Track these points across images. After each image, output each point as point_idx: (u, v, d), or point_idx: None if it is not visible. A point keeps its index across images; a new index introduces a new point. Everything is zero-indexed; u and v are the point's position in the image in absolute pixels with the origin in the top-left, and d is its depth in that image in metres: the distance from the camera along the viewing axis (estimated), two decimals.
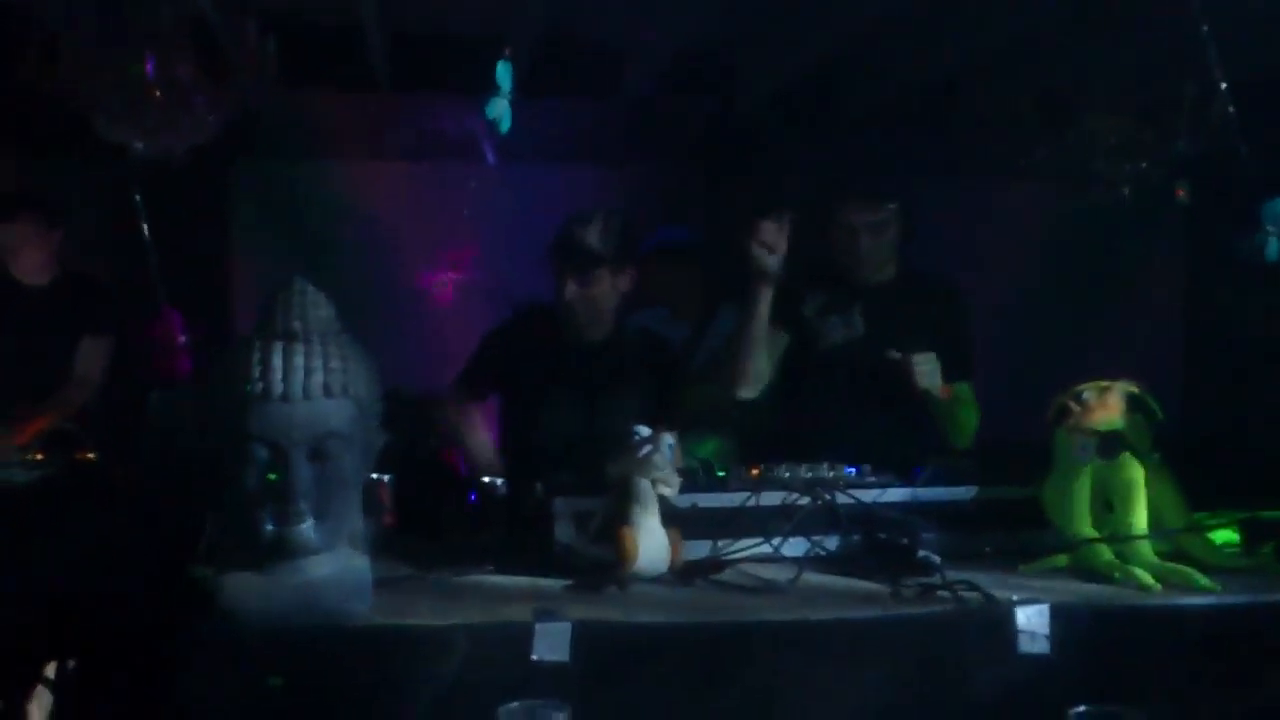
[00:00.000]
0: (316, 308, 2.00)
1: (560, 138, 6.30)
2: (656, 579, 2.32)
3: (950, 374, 3.39)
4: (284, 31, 4.39)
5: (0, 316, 4.66)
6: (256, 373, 1.89)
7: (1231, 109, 2.43)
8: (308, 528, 1.90)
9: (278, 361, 1.91)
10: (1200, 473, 2.56)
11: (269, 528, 1.89)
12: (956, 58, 5.96)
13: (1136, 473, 2.40)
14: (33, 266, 4.72)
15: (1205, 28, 2.26)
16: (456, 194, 3.78)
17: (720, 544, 2.49)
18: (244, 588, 1.91)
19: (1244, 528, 2.49)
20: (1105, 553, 2.37)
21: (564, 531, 2.46)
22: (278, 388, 1.88)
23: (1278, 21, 5.16)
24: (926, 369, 3.31)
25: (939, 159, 6.14)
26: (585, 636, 1.95)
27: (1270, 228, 2.22)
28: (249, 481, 1.89)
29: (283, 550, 1.90)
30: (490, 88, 2.32)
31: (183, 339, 2.45)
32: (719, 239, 6.32)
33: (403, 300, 3.15)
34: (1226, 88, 2.42)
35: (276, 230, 6.00)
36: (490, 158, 3.25)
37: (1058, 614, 2.07)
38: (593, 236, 3.40)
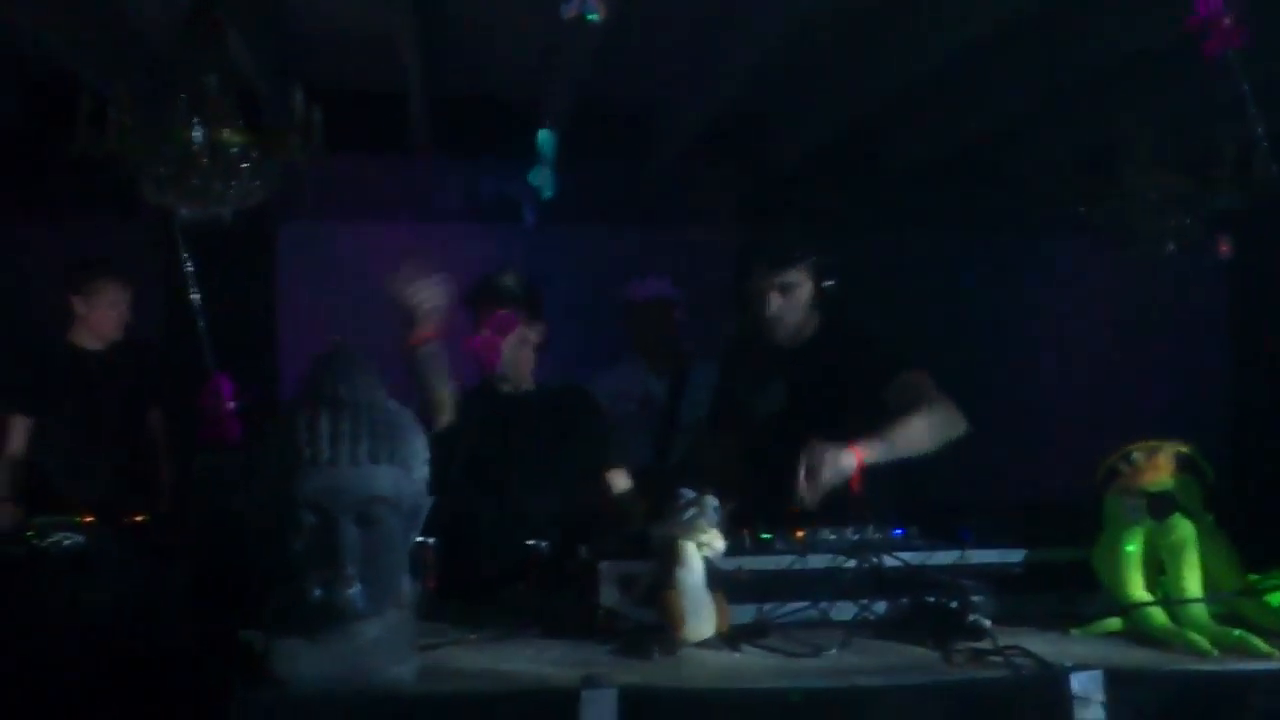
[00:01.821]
0: (361, 373, 2.01)
1: (597, 200, 6.36)
2: (703, 644, 2.30)
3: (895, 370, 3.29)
4: (329, 96, 4.48)
5: (68, 381, 4.71)
6: (304, 439, 1.90)
7: (1274, 164, 2.41)
8: (355, 592, 1.90)
9: (325, 428, 1.91)
10: (1254, 534, 2.52)
11: (317, 592, 1.89)
12: (996, 116, 5.99)
13: (1189, 533, 2.37)
14: (106, 331, 4.78)
15: (1245, 85, 2.25)
16: (501, 255, 3.81)
17: (766, 608, 2.47)
18: (292, 652, 1.91)
19: None
20: (1159, 616, 2.34)
21: (609, 595, 2.45)
22: (325, 454, 1.89)
23: None
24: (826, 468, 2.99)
25: (980, 216, 6.15)
26: (632, 703, 1.93)
27: None
28: (297, 546, 1.89)
29: (330, 614, 1.90)
30: (532, 154, 2.34)
31: (232, 405, 2.46)
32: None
33: (450, 362, 3.15)
34: (1267, 142, 2.40)
35: (322, 292, 6.07)
36: (531, 219, 3.27)
37: (1112, 679, 2.03)
38: (508, 283, 3.43)
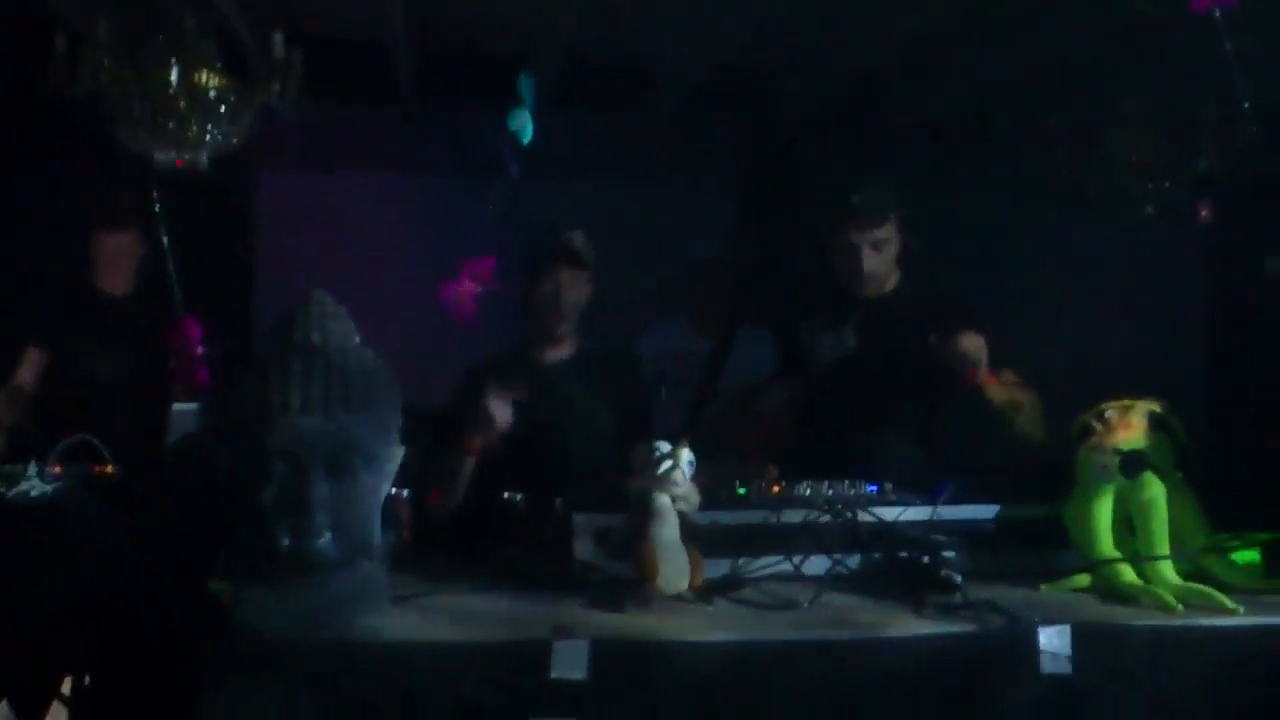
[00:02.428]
0: (335, 320, 2.00)
1: (589, 153, 6.32)
2: (676, 597, 2.30)
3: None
4: (311, 44, 4.43)
5: (82, 321, 4.64)
6: (275, 387, 1.89)
7: (1255, 129, 2.41)
8: (325, 542, 1.90)
9: (296, 376, 1.91)
10: (1223, 493, 2.54)
11: (286, 542, 1.88)
12: (986, 78, 5.97)
13: (1159, 492, 2.39)
14: (114, 280, 4.72)
15: (1228, 47, 2.24)
16: (481, 207, 3.79)
17: (741, 562, 2.47)
18: (261, 602, 1.91)
19: (1266, 549, 2.47)
20: (1127, 573, 2.36)
21: (584, 548, 2.45)
22: (296, 402, 1.88)
23: None
24: (971, 349, 3.15)
25: (967, 176, 6.13)
26: (604, 655, 1.94)
27: None
28: (267, 496, 1.89)
29: (300, 565, 1.90)
30: (514, 99, 2.32)
31: (201, 349, 2.44)
32: (747, 257, 6.37)
33: (425, 313, 3.14)
34: (1250, 107, 2.40)
35: (303, 243, 6.03)
36: (515, 171, 3.25)
37: (1079, 634, 2.05)
38: (580, 244, 3.47)
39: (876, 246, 3.44)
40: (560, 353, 3.55)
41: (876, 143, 6.22)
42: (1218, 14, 2.25)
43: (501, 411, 3.16)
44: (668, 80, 6.26)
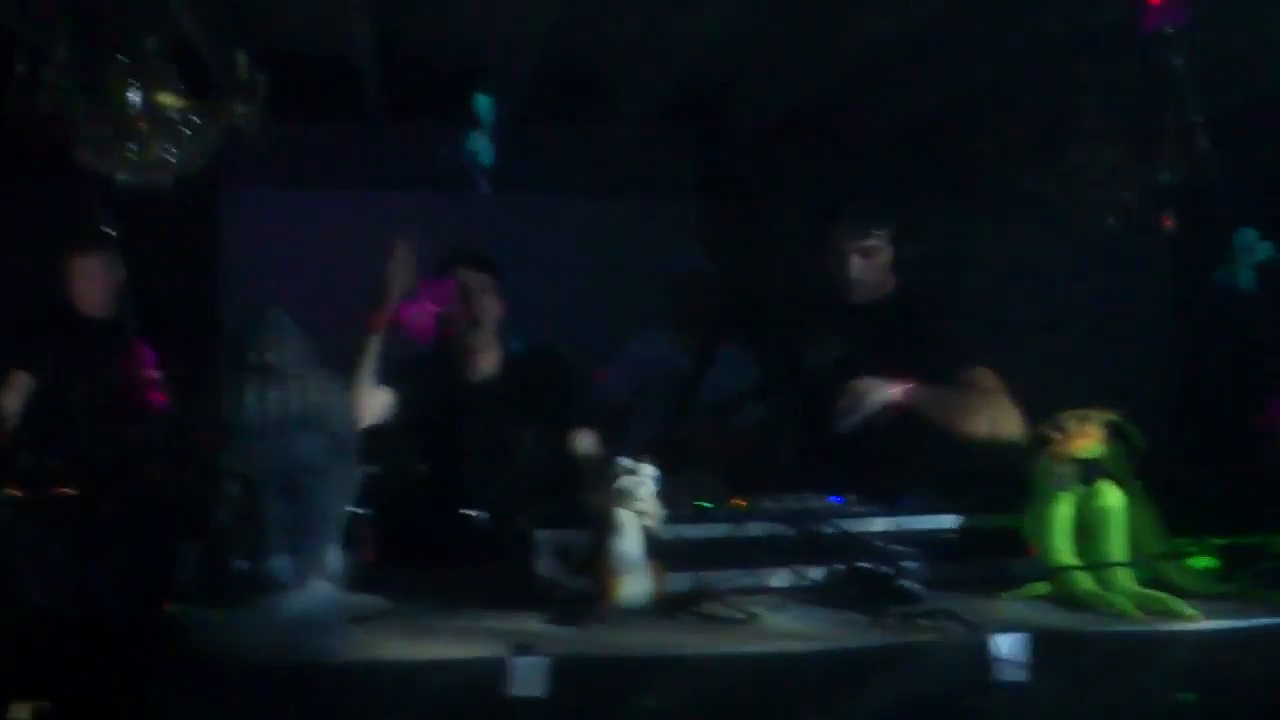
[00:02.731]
0: (290, 340, 1.99)
1: (557, 167, 6.32)
2: (638, 612, 2.30)
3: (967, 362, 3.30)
4: (277, 61, 4.42)
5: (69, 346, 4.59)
6: (229, 407, 1.88)
7: (1207, 142, 2.43)
8: (280, 563, 1.89)
9: (251, 395, 1.90)
10: (1182, 500, 2.55)
11: (241, 564, 1.88)
12: (949, 88, 6.01)
13: (1116, 500, 2.40)
14: (90, 303, 4.66)
15: (1179, 62, 2.27)
16: (445, 225, 3.79)
17: (704, 576, 2.47)
18: (216, 624, 1.90)
19: (1222, 554, 2.48)
20: (1085, 580, 2.37)
21: (546, 564, 2.45)
22: (251, 421, 1.88)
23: (1256, 57, 5.22)
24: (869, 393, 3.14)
25: (929, 185, 6.16)
26: (563, 672, 1.94)
27: (1243, 256, 2.23)
28: (221, 516, 1.88)
29: (255, 586, 1.89)
30: (472, 120, 2.32)
31: (155, 373, 2.42)
32: (723, 269, 6.37)
33: (387, 332, 3.14)
34: (1205, 120, 2.42)
35: (267, 261, 6.01)
36: (485, 187, 3.25)
37: (1037, 642, 2.06)
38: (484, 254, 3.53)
39: (865, 254, 3.44)
40: (486, 364, 3.55)
41: (841, 153, 6.25)
42: (1169, 30, 2.26)
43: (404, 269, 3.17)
44: (637, 92, 6.27)
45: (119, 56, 3.97)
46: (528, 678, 1.92)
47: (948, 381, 3.23)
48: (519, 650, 1.95)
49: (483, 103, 2.37)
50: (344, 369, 3.15)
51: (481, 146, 2.38)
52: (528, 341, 3.75)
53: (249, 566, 1.88)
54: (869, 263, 3.45)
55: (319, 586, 1.97)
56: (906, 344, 3.36)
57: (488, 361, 3.56)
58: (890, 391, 3.10)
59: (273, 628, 1.90)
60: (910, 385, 3.13)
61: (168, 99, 3.95)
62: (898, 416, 3.15)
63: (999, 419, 3.16)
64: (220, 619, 1.90)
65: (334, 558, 2.03)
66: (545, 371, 3.62)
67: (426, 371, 3.49)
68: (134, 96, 3.90)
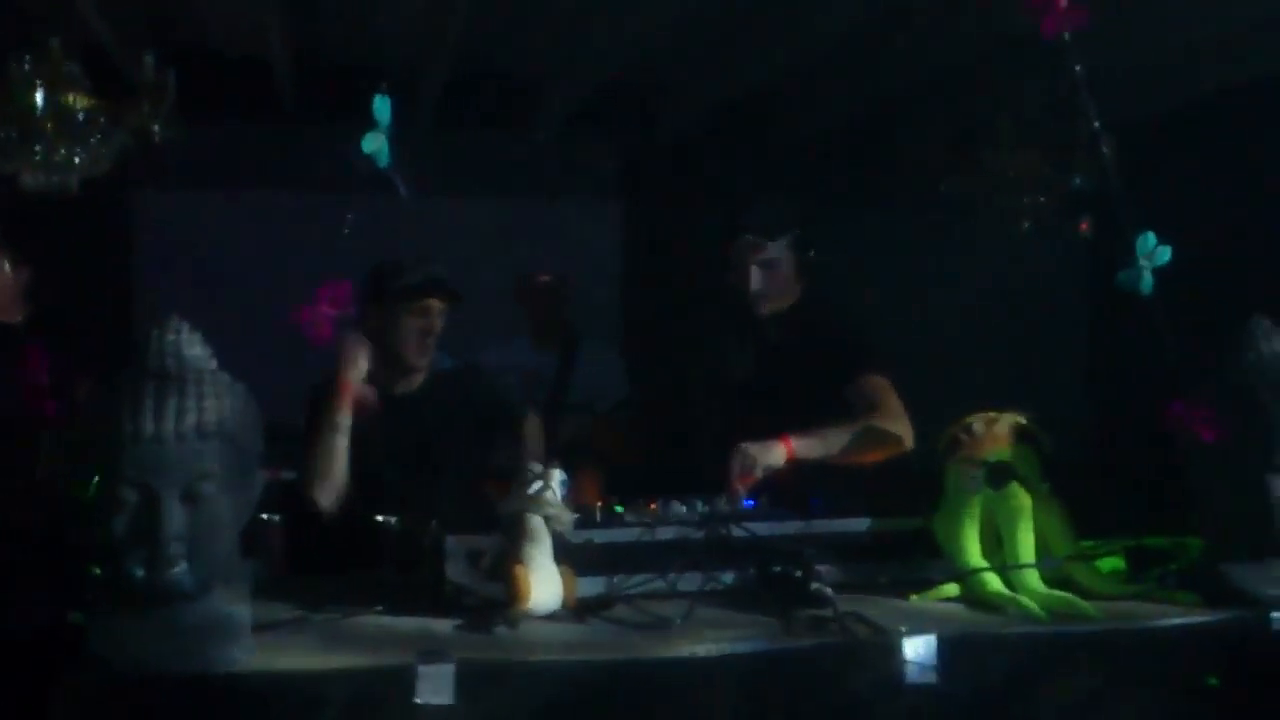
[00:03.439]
0: (191, 346, 1.95)
1: (472, 169, 6.29)
2: (549, 617, 2.29)
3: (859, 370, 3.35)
4: (191, 62, 4.35)
5: None
6: (126, 412, 1.84)
7: (1107, 149, 2.47)
8: (181, 572, 1.85)
9: (149, 401, 1.86)
10: (1089, 502, 2.59)
11: (139, 572, 1.84)
12: (870, 95, 6.06)
13: (1024, 502, 2.43)
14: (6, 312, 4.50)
15: (1077, 68, 2.30)
16: (353, 225, 3.76)
17: (616, 580, 2.47)
18: (115, 633, 1.86)
19: (1130, 556, 2.53)
20: (994, 582, 2.39)
21: (456, 570, 2.42)
22: (148, 428, 1.84)
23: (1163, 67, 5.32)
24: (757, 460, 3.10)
25: (849, 190, 6.22)
26: (471, 678, 1.92)
27: (1143, 261, 2.26)
28: (118, 525, 1.84)
29: (155, 596, 1.85)
30: (372, 122, 2.29)
31: (46, 379, 2.37)
32: (637, 271, 6.38)
33: (292, 336, 3.10)
34: (1106, 126, 2.46)
35: (180, 264, 5.92)
36: (403, 189, 3.22)
37: (945, 644, 2.08)
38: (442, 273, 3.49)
39: (765, 265, 3.43)
40: (412, 382, 3.50)
41: (762, 159, 6.28)
42: (1067, 37, 2.29)
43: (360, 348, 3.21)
44: (553, 96, 6.26)
45: (23, 55, 3.89)
46: (435, 685, 1.90)
47: (843, 389, 3.28)
48: (427, 657, 1.93)
49: (380, 104, 2.33)
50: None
51: (378, 148, 2.34)
52: (452, 359, 3.73)
53: (148, 575, 1.84)
54: (770, 274, 3.44)
55: (221, 595, 1.93)
56: (803, 355, 3.38)
57: (414, 381, 3.51)
58: (776, 454, 3.08)
59: (174, 637, 1.86)
60: (794, 442, 3.12)
61: (73, 99, 3.88)
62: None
63: (885, 443, 3.22)
64: (120, 629, 1.86)
65: (237, 565, 2.00)
66: (467, 386, 3.59)
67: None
68: (38, 97, 3.82)
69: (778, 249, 3.41)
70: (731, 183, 6.15)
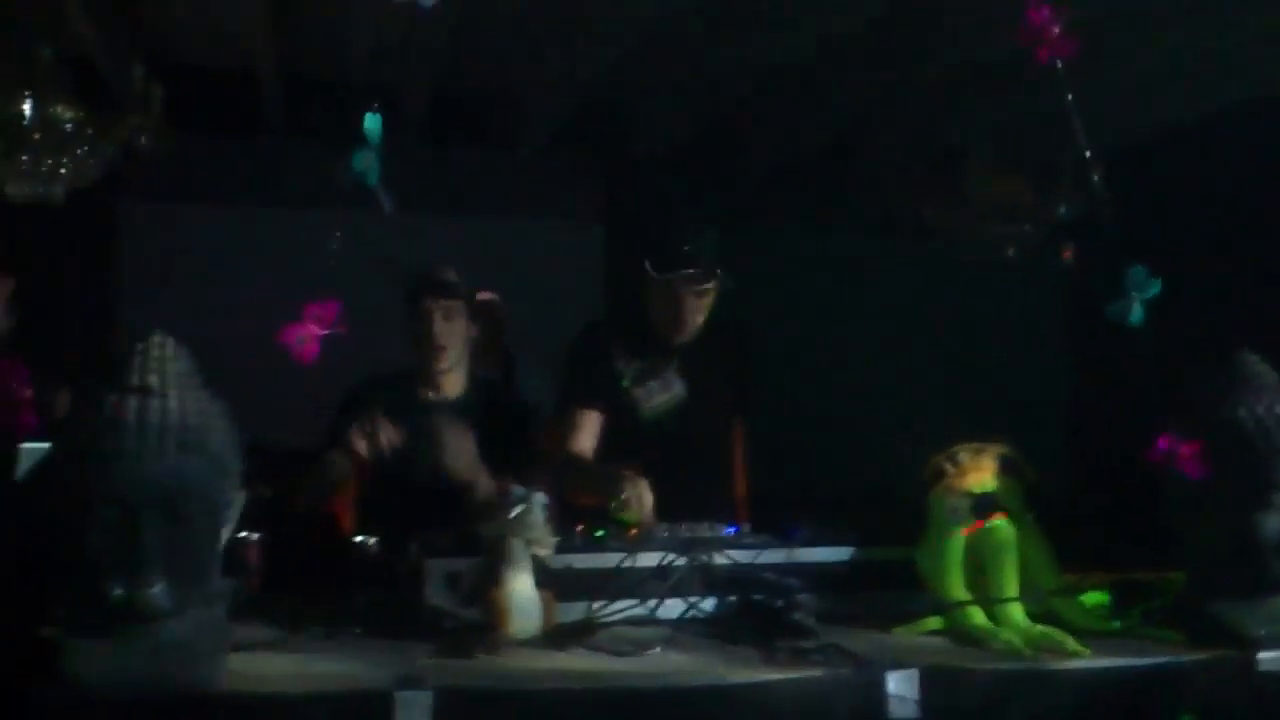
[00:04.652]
0: (173, 361, 1.93)
1: (456, 187, 6.30)
2: (528, 642, 2.27)
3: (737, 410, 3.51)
4: (179, 75, 4.34)
5: None
6: (106, 428, 1.82)
7: (1098, 176, 2.46)
8: (158, 591, 1.82)
9: (130, 417, 1.84)
10: (1074, 535, 2.58)
11: (117, 590, 1.81)
12: (849, 116, 6.07)
13: (1008, 535, 2.42)
14: None
15: (1069, 96, 2.29)
16: (335, 244, 3.75)
17: (596, 606, 2.45)
18: (89, 652, 1.83)
19: (1114, 590, 2.51)
20: (977, 615, 2.38)
21: (435, 593, 2.40)
22: (128, 445, 1.82)
23: (1155, 90, 5.34)
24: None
25: (830, 214, 6.23)
26: (448, 705, 1.89)
27: (1134, 293, 2.25)
28: (96, 541, 1.81)
29: (132, 614, 1.83)
30: (359, 139, 2.27)
31: (27, 392, 2.34)
32: (618, 293, 6.35)
33: (276, 353, 3.09)
34: (1093, 154, 2.45)
35: (166, 277, 5.90)
36: (388, 205, 3.21)
37: (927, 678, 2.06)
38: (453, 278, 3.53)
39: (700, 295, 3.43)
40: (448, 391, 3.52)
41: (737, 180, 6.29)
42: (1059, 64, 2.29)
43: (388, 433, 3.24)
44: (534, 115, 6.27)
45: (11, 65, 3.88)
46: (412, 712, 1.88)
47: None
48: (405, 682, 1.90)
49: (371, 120, 2.32)
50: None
51: (368, 165, 2.33)
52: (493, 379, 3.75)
53: (125, 594, 1.81)
54: (700, 306, 3.44)
55: (199, 614, 1.91)
56: (715, 377, 3.49)
57: (453, 390, 3.56)
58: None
59: (150, 656, 1.83)
60: None
61: (61, 110, 3.87)
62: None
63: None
64: (95, 647, 1.83)
65: (215, 584, 1.97)
66: (502, 406, 3.63)
67: (381, 394, 3.49)
68: (26, 107, 3.81)
69: (714, 282, 3.41)
70: (714, 202, 6.16)
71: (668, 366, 3.50)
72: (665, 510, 2.94)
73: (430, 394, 3.55)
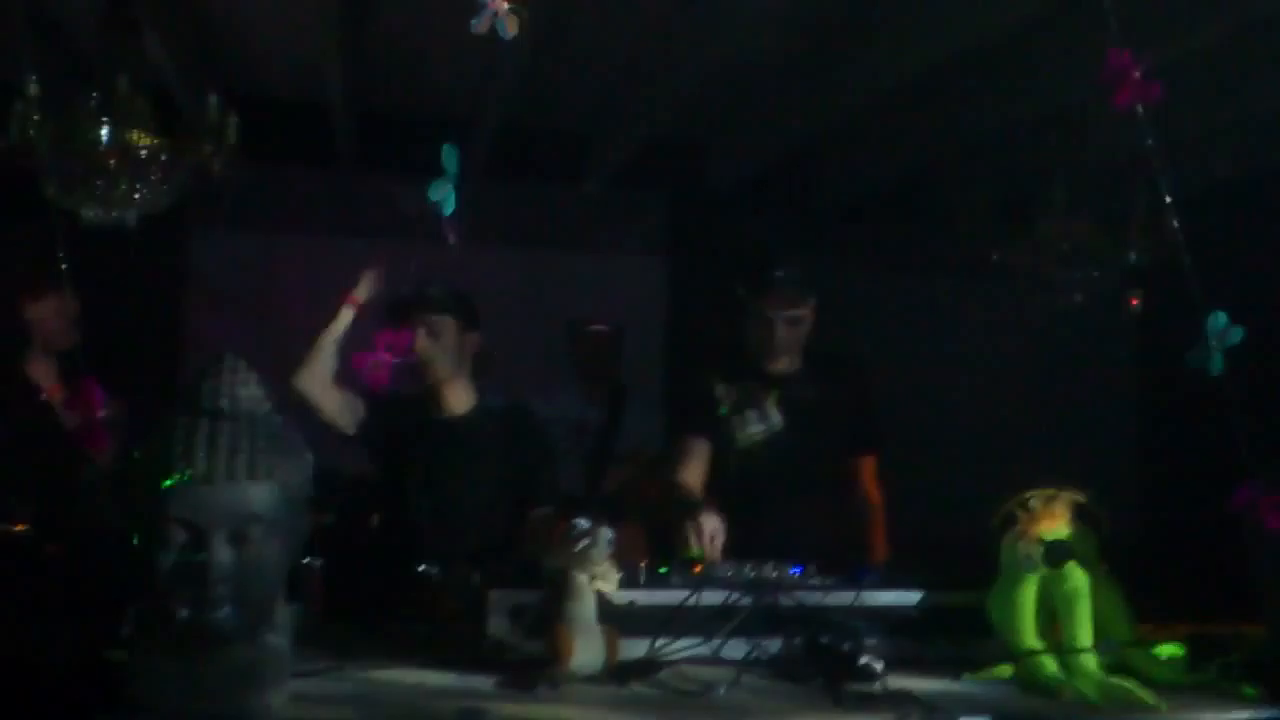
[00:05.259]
0: (245, 386, 1.94)
1: (522, 222, 6.32)
2: (590, 678, 2.25)
3: (858, 448, 3.51)
4: (253, 106, 4.39)
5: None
6: (178, 451, 1.82)
7: (1176, 222, 2.42)
8: (225, 614, 1.82)
9: (201, 441, 1.84)
10: (1149, 585, 2.52)
11: (184, 613, 1.81)
12: (918, 158, 6.04)
13: (1082, 583, 2.36)
14: (59, 341, 4.51)
15: (1150, 143, 2.26)
16: (407, 275, 3.78)
17: (658, 643, 2.42)
18: (155, 674, 1.83)
19: (1190, 643, 2.45)
20: (1049, 665, 2.32)
21: (498, 625, 2.38)
22: (199, 468, 1.82)
23: (1227, 136, 5.28)
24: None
25: (898, 256, 6.19)
26: None
27: (1214, 342, 2.21)
28: (165, 564, 1.81)
29: (197, 637, 1.83)
30: (438, 171, 2.28)
31: (102, 413, 2.36)
32: (681, 327, 6.34)
33: (348, 380, 3.12)
34: (1173, 200, 2.41)
35: (234, 305, 5.96)
36: (451, 240, 3.22)
37: None
38: (436, 294, 3.51)
39: (791, 322, 3.42)
40: (456, 408, 3.52)
41: (807, 218, 6.27)
42: (1140, 110, 2.26)
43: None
44: (601, 150, 6.30)
45: (90, 92, 3.95)
46: None
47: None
48: (466, 715, 1.89)
49: (449, 153, 2.33)
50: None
51: (444, 196, 2.34)
52: (505, 399, 3.73)
53: (193, 616, 1.81)
54: (794, 331, 3.45)
55: (265, 639, 1.90)
56: (823, 410, 3.46)
57: (459, 407, 3.53)
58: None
59: (215, 679, 1.83)
60: None
61: (137, 136, 3.93)
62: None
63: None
64: (161, 669, 1.82)
65: (281, 610, 1.97)
66: (516, 428, 3.58)
67: (395, 415, 3.49)
68: (103, 133, 3.87)
69: (807, 308, 3.41)
70: (778, 238, 6.16)
71: (766, 397, 3.47)
72: (747, 546, 2.90)
73: (434, 412, 3.54)
